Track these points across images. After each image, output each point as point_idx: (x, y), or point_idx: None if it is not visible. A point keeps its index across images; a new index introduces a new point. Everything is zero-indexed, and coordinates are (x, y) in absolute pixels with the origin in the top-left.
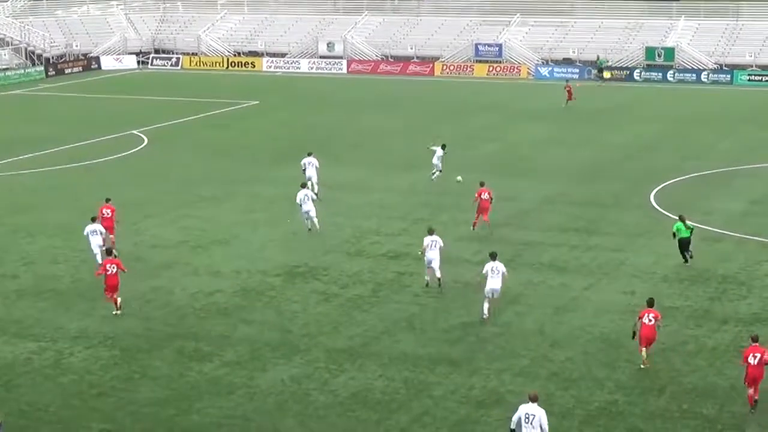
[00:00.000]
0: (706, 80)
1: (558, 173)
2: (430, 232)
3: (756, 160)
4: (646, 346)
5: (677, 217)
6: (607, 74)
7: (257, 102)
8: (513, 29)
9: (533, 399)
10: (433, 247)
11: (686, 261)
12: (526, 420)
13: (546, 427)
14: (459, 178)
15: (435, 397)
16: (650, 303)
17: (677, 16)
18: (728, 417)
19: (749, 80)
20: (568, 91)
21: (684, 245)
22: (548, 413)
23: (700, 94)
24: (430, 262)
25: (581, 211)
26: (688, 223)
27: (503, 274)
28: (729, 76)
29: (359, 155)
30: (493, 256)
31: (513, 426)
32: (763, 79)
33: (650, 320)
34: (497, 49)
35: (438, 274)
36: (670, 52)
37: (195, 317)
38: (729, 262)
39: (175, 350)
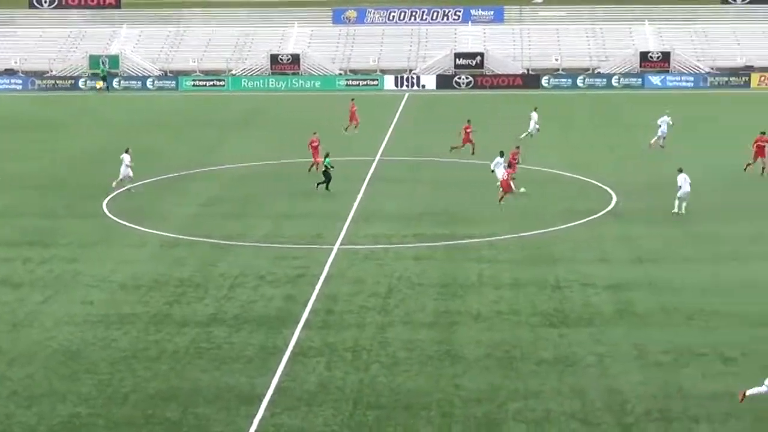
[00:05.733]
0: (152, 87)
1: (5, 187)
2: None
3: (208, 163)
4: (504, 193)
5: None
6: (98, 84)
7: None
8: None
9: None
10: None
11: (324, 185)
12: None
13: None
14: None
15: None
16: (509, 164)
17: (120, 24)
18: (192, 418)
19: (194, 85)
20: (352, 112)
21: (325, 174)
22: None
23: (147, 101)
24: None
25: (34, 224)
26: (328, 160)
27: None
28: (174, 82)
29: None
30: None
31: None
32: (207, 84)
33: (505, 176)
34: None
35: None
36: (114, 60)
37: None
38: (185, 266)
39: None
